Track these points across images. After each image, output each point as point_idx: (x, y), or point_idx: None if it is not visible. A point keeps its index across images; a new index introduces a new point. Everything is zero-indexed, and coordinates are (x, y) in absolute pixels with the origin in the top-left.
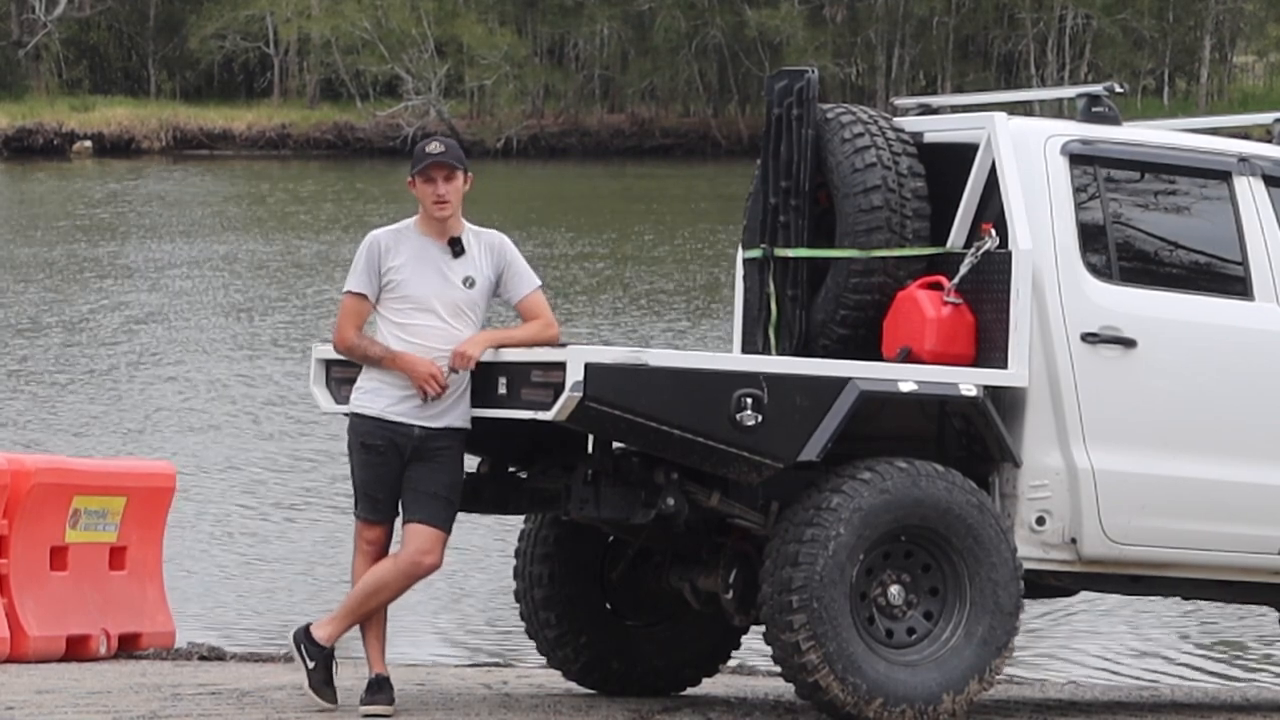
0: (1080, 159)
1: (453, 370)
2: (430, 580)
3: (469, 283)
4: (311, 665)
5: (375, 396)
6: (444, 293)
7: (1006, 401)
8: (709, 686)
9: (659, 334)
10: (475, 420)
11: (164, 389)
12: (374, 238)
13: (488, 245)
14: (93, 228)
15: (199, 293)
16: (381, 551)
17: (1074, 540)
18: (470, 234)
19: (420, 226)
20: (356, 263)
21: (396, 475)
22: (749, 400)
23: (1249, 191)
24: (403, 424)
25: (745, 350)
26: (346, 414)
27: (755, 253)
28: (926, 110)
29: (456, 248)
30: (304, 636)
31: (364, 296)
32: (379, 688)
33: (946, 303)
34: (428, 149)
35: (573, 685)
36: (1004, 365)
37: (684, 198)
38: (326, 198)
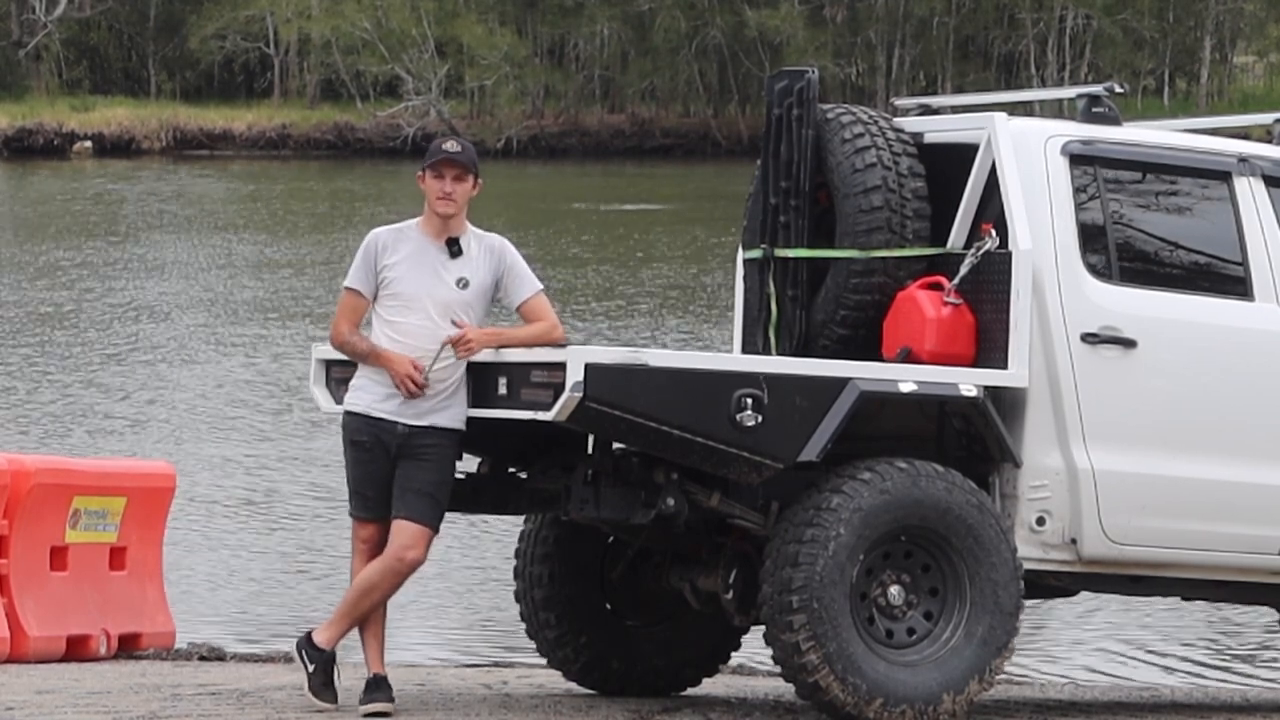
0: (1080, 159)
1: (449, 345)
2: (430, 580)
3: (462, 284)
4: (311, 669)
5: (363, 393)
6: (435, 292)
7: (1006, 401)
8: (709, 686)
9: (659, 334)
10: (475, 420)
11: (162, 388)
12: (374, 235)
13: (488, 248)
14: (91, 226)
15: (194, 291)
16: (376, 550)
17: (1074, 540)
18: (472, 236)
19: (422, 226)
20: (356, 259)
21: (386, 472)
22: (749, 400)
23: (1249, 191)
24: (387, 420)
25: (745, 350)
26: (342, 411)
27: (755, 253)
28: (927, 110)
29: (454, 248)
30: (305, 642)
31: (360, 293)
32: (377, 687)
33: (946, 303)
34: (444, 146)
35: (573, 685)
36: (1004, 365)
37: (684, 197)
38: (327, 198)
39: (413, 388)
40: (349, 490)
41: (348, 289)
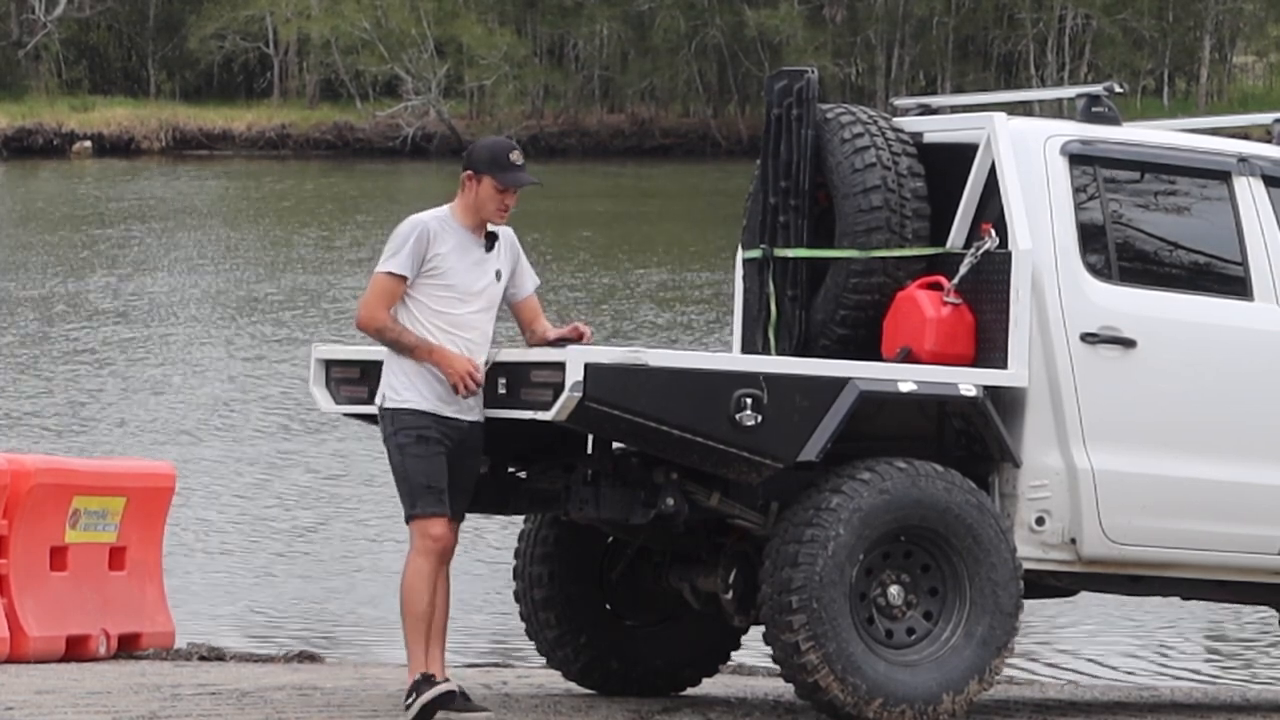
0: (1080, 159)
1: (575, 340)
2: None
3: (500, 276)
4: (434, 694)
5: (425, 390)
6: (485, 286)
7: (1006, 401)
8: (709, 686)
9: (658, 334)
10: None
11: (162, 387)
12: (422, 223)
13: (504, 238)
14: (90, 225)
15: (195, 290)
16: (450, 549)
17: (1074, 540)
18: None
19: (460, 218)
20: (400, 244)
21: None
22: (749, 400)
23: (1249, 191)
24: (454, 419)
25: (745, 350)
26: (392, 410)
27: (755, 253)
28: (926, 110)
29: (491, 242)
30: (426, 691)
31: (405, 279)
32: (427, 687)
33: (946, 303)
34: (515, 160)
35: (573, 685)
36: (1004, 365)
37: (683, 197)
38: (328, 198)
39: (473, 386)
40: (415, 487)
41: (392, 274)
